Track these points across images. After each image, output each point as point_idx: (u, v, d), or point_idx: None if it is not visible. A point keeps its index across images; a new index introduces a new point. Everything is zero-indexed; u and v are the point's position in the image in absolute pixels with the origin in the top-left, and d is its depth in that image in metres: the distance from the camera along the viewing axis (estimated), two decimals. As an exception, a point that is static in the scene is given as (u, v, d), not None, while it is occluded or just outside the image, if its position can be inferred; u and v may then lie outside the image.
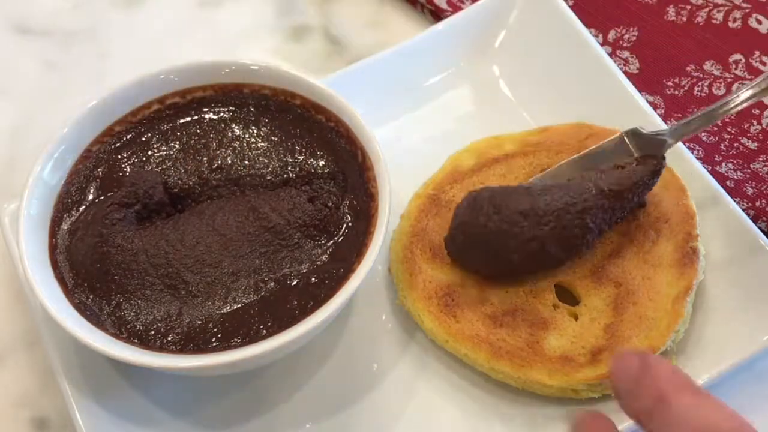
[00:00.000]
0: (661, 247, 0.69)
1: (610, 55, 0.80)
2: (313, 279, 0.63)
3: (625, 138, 0.70)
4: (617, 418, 0.54)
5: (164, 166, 0.68)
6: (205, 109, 0.71)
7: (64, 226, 0.65)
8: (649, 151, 0.68)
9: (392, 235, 0.72)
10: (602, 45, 0.81)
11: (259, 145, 0.69)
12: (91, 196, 0.67)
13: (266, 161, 0.68)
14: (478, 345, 0.66)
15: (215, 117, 0.71)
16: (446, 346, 0.67)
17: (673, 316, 0.65)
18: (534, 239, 0.64)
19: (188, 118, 0.71)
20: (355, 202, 0.66)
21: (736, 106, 0.66)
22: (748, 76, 0.80)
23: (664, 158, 0.68)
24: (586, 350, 0.65)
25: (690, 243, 0.68)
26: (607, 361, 0.64)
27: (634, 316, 0.66)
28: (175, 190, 0.67)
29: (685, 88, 0.80)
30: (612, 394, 0.64)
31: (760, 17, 0.83)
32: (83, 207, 0.66)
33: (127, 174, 0.68)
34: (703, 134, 0.78)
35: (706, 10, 0.84)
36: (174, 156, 0.69)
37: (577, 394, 0.65)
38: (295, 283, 0.63)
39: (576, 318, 0.67)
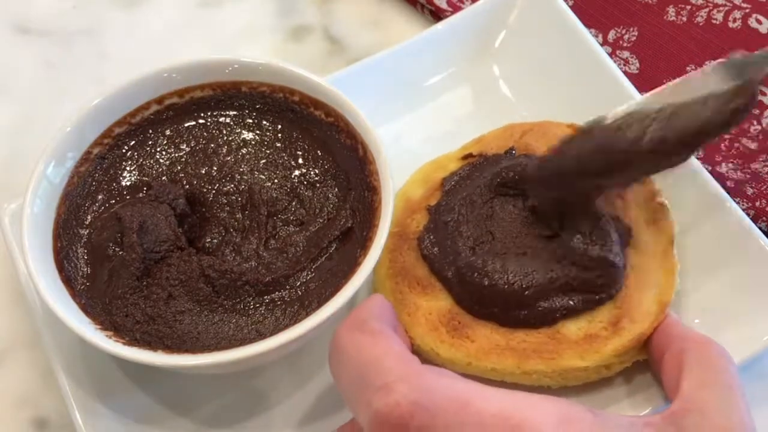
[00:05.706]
0: (632, 211, 0.70)
1: (610, 55, 0.80)
2: (317, 275, 0.63)
3: (712, 70, 0.61)
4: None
5: (175, 169, 0.69)
6: (206, 111, 0.71)
7: (71, 227, 0.65)
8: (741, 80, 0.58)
9: (372, 284, 0.70)
10: (602, 45, 0.81)
11: (262, 152, 0.70)
12: (100, 197, 0.67)
13: (268, 166, 0.69)
14: (503, 354, 0.65)
15: (216, 120, 0.71)
16: (469, 369, 0.65)
17: (668, 268, 0.67)
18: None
19: (191, 122, 0.71)
20: (357, 200, 0.66)
21: None
22: (748, 76, 0.80)
23: (756, 82, 0.58)
24: (605, 323, 0.66)
25: (656, 199, 0.70)
26: (629, 327, 0.65)
27: (635, 278, 0.67)
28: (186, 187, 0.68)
29: (685, 88, 0.80)
30: (641, 359, 0.66)
31: (760, 17, 0.83)
32: (92, 208, 0.66)
33: (136, 175, 0.68)
34: (703, 134, 0.78)
35: (706, 10, 0.84)
36: (180, 158, 0.69)
37: (609, 370, 0.65)
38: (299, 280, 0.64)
39: None
